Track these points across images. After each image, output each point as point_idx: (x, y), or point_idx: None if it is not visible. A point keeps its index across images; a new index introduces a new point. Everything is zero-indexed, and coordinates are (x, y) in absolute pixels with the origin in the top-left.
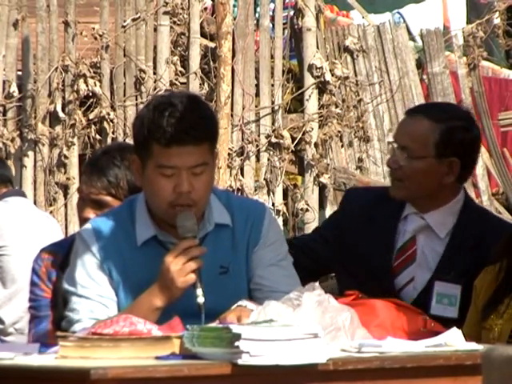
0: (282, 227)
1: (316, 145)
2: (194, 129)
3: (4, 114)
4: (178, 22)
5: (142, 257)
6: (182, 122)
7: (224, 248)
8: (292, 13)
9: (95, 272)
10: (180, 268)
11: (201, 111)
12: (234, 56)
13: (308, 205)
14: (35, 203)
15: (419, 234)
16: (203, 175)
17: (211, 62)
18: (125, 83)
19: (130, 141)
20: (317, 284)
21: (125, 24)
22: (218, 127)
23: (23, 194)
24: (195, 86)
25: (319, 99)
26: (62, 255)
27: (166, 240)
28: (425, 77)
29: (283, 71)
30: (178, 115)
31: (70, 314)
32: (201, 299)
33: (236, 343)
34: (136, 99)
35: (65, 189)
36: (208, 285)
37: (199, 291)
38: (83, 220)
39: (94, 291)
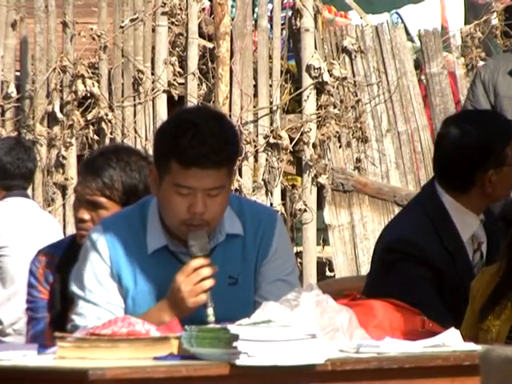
0: None
1: (314, 145)
2: (216, 154)
3: (2, 115)
4: (176, 23)
5: (152, 265)
6: (205, 146)
7: (234, 258)
8: (290, 13)
9: (105, 278)
10: (191, 289)
11: (225, 135)
12: (232, 56)
13: (306, 205)
14: None
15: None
16: (218, 197)
17: (209, 63)
18: (123, 84)
19: (127, 142)
20: (315, 284)
21: (123, 24)
22: (240, 150)
23: (26, 195)
24: (193, 87)
25: (317, 100)
26: (59, 257)
27: (178, 250)
28: (423, 77)
29: (281, 72)
30: (201, 137)
31: (77, 318)
32: (211, 319)
33: (234, 344)
34: (134, 100)
35: (63, 189)
36: (216, 296)
37: (210, 310)
38: (78, 220)
39: (102, 297)
